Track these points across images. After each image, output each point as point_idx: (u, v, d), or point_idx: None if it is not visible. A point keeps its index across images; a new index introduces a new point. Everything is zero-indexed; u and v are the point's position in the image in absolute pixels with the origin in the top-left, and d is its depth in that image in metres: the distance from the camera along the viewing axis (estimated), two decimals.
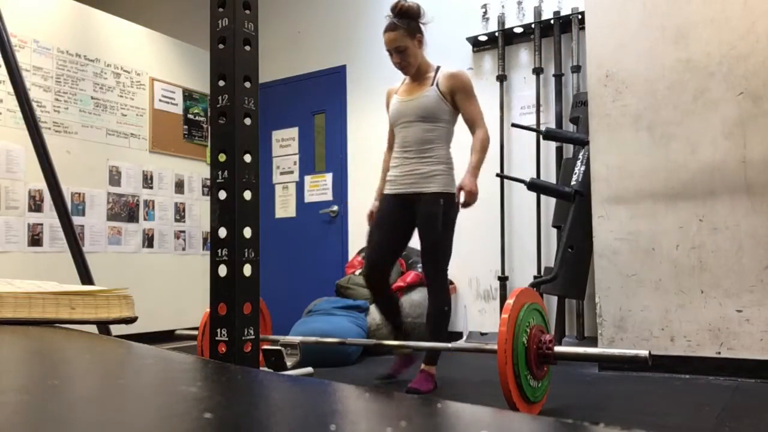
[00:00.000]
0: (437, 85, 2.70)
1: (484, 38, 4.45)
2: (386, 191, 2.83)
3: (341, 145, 5.10)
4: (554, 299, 3.87)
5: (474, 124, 2.72)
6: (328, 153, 5.17)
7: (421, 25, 2.73)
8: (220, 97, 0.94)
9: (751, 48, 2.89)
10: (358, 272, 4.06)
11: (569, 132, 3.84)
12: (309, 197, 5.21)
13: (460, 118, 2.79)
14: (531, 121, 4.23)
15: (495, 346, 2.00)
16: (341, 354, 3.39)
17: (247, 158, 0.94)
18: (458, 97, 2.70)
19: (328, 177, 5.12)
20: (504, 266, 4.25)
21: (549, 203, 4.08)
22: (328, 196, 5.10)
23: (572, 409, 2.36)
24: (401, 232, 2.80)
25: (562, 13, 4.15)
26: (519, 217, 4.29)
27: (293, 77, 5.36)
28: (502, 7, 4.42)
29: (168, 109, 5.07)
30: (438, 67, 2.78)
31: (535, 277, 3.85)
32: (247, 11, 0.95)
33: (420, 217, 2.70)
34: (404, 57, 2.69)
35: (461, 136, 2.89)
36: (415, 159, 2.71)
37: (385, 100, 2.97)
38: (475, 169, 2.66)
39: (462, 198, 2.60)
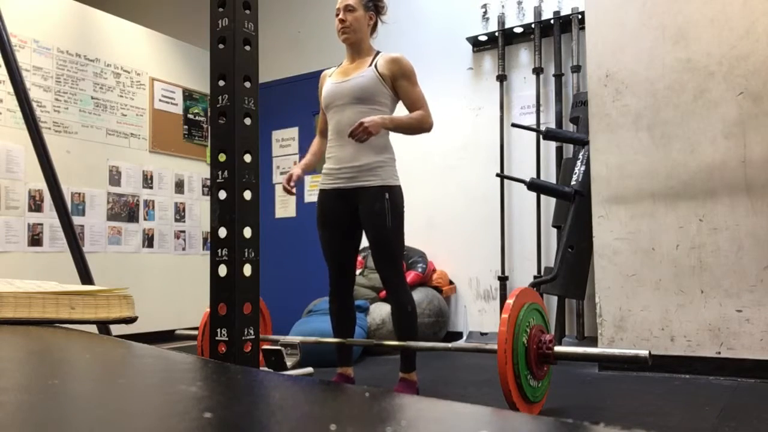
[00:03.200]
0: (375, 66, 2.51)
1: (484, 38, 4.45)
2: (324, 186, 2.60)
3: None
4: (554, 299, 3.87)
5: (416, 107, 2.51)
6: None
7: (378, 6, 2.58)
8: (220, 97, 0.94)
9: (751, 48, 2.89)
10: (358, 272, 4.06)
11: (569, 132, 3.84)
12: (309, 197, 5.21)
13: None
14: (531, 121, 4.23)
15: (495, 346, 2.00)
16: None
17: (247, 158, 0.94)
18: (400, 83, 2.50)
19: None
20: (504, 266, 4.25)
21: (549, 203, 4.08)
22: None
23: (572, 409, 2.36)
24: (351, 229, 2.59)
25: (562, 13, 4.15)
26: (519, 217, 4.29)
27: (293, 77, 5.36)
28: (502, 7, 4.42)
29: (168, 109, 5.06)
30: (378, 52, 2.60)
31: (535, 277, 3.85)
32: (247, 11, 0.95)
33: (365, 215, 2.49)
34: (350, 19, 2.51)
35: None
36: (351, 147, 2.47)
37: (319, 85, 2.72)
38: (392, 120, 2.43)
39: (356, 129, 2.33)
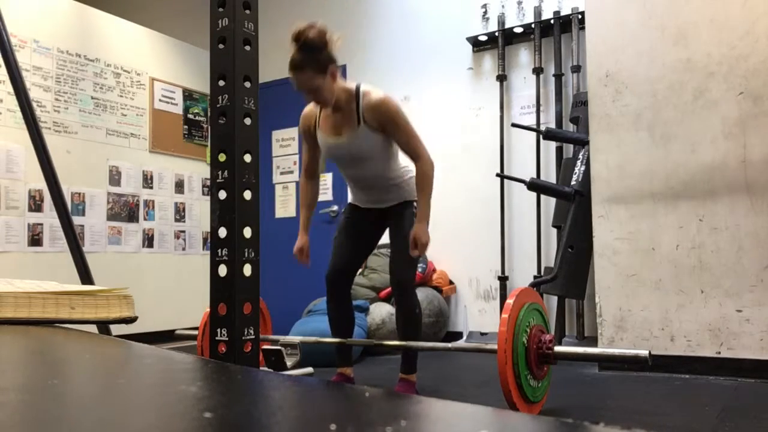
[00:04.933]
0: (365, 120, 2.40)
1: (484, 38, 4.45)
2: (352, 202, 2.72)
3: None
4: (554, 299, 3.87)
5: (413, 155, 2.44)
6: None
7: (330, 57, 2.34)
8: (220, 97, 0.94)
9: (751, 48, 2.89)
10: (358, 272, 4.06)
11: (569, 132, 3.84)
12: None
13: None
14: (531, 121, 4.23)
15: (495, 346, 2.00)
16: None
17: (247, 158, 0.94)
18: (389, 130, 2.42)
19: (328, 177, 5.11)
20: (504, 266, 4.25)
21: (549, 203, 4.08)
22: (328, 196, 5.10)
23: (572, 409, 2.36)
24: (367, 238, 2.69)
25: (562, 13, 4.15)
26: (519, 217, 4.29)
27: None
28: (502, 7, 4.42)
29: (168, 109, 5.06)
30: (357, 91, 2.42)
31: (535, 277, 3.85)
32: (247, 11, 0.95)
33: (392, 218, 2.59)
34: (318, 95, 2.35)
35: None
36: (374, 190, 2.58)
37: (300, 124, 2.63)
38: (424, 214, 2.44)
39: (415, 248, 2.40)
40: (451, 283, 4.42)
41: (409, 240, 2.47)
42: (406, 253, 2.49)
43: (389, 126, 2.41)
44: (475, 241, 4.41)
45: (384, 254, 4.20)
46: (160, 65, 5.03)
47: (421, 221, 2.42)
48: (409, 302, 2.52)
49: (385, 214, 2.63)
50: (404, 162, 2.60)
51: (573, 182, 3.55)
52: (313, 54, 2.28)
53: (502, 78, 4.36)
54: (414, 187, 2.54)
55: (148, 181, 4.86)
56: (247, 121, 0.94)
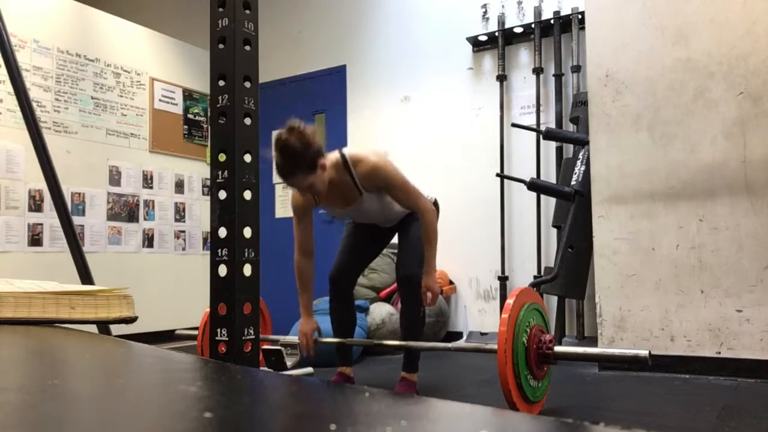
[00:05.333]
0: (364, 188, 2.45)
1: (484, 38, 4.45)
2: None
3: (341, 145, 5.07)
4: (554, 299, 3.87)
5: (413, 209, 2.51)
6: (328, 153, 5.17)
7: (316, 150, 2.25)
8: (220, 97, 0.94)
9: (751, 48, 2.89)
10: None
11: (569, 132, 3.84)
12: None
13: None
14: (531, 121, 4.23)
15: (495, 346, 2.00)
16: None
17: (247, 158, 0.94)
18: (384, 190, 2.47)
19: None
20: (504, 266, 4.25)
21: (549, 203, 4.08)
22: None
23: (572, 409, 2.36)
24: (373, 242, 2.79)
25: (562, 13, 4.15)
26: (519, 217, 4.29)
27: (293, 77, 5.36)
28: (502, 7, 4.42)
29: (168, 109, 5.06)
30: (345, 161, 2.42)
31: (535, 277, 3.85)
32: (247, 11, 0.95)
33: (400, 225, 2.72)
34: (312, 190, 2.32)
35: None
36: (384, 221, 2.73)
37: (294, 202, 2.64)
38: (432, 266, 2.51)
39: (427, 298, 2.48)
40: (451, 283, 4.42)
41: (417, 240, 2.53)
42: (415, 250, 2.54)
43: (385, 187, 2.46)
44: (475, 241, 4.41)
45: (385, 255, 4.20)
46: (160, 65, 5.03)
47: (429, 273, 2.49)
48: (414, 298, 2.54)
49: (394, 225, 2.75)
50: None
51: (573, 182, 3.55)
52: (298, 158, 2.21)
53: (502, 78, 4.36)
54: None
55: (148, 181, 4.86)
56: (247, 121, 0.94)
